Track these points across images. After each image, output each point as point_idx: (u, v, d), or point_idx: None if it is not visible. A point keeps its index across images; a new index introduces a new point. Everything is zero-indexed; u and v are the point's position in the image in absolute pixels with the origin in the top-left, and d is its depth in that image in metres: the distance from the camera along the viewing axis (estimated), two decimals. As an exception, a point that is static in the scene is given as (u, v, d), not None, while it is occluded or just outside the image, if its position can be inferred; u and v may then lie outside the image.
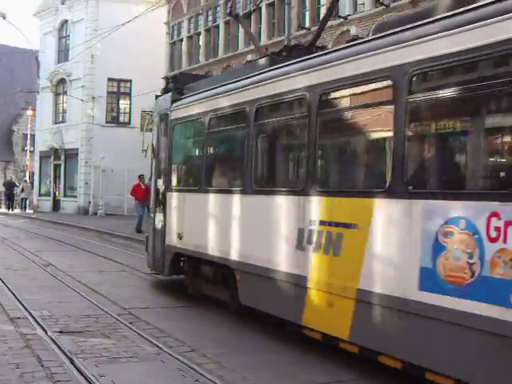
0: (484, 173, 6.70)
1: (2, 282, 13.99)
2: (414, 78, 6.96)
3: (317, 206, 8.38)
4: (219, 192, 11.34)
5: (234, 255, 10.36)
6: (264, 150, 10.64)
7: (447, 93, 6.75)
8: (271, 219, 9.38)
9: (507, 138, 6.46)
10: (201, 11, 32.68)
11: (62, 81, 44.19)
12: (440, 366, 6.51)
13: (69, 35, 43.56)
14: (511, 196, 5.73)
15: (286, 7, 26.06)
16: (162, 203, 13.58)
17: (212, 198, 11.43)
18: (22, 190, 46.76)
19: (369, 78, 7.60)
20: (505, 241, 5.74)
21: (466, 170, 6.95)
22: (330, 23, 23.60)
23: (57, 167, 44.97)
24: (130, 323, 10.22)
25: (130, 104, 41.94)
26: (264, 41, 27.73)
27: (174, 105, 13.21)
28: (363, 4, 22.90)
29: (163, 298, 13.08)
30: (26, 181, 48.57)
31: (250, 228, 10.06)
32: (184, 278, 13.12)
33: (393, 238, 7.13)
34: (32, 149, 49.18)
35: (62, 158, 43.88)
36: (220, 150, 12.71)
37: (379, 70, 7.41)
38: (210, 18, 32.17)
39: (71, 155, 42.95)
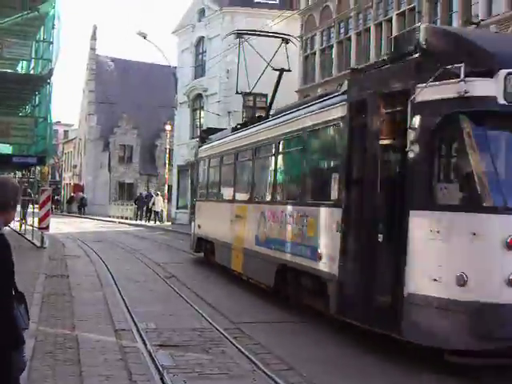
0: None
1: (119, 292, 14.22)
2: (280, 143, 14.19)
3: (235, 208, 17.12)
4: (210, 201, 20.75)
5: (213, 236, 19.46)
6: (243, 175, 17.48)
7: (296, 149, 13.36)
8: (220, 215, 18.69)
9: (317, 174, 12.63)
10: (333, 24, 32.46)
11: (198, 96, 45.08)
12: (263, 278, 14.61)
13: (205, 51, 44.39)
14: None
15: (417, 16, 25.55)
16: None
17: (208, 204, 21.02)
18: (154, 203, 48.07)
19: (268, 141, 15.03)
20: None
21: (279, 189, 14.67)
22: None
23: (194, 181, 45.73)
24: (234, 338, 10.05)
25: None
26: (394, 52, 27.21)
27: (199, 149, 22.41)
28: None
29: (275, 312, 12.79)
30: (157, 194, 49.78)
31: (221, 222, 18.26)
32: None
33: (251, 221, 15.39)
34: (171, 163, 50.33)
35: (200, 171, 44.54)
36: (215, 176, 20.40)
37: (271, 137, 14.65)
38: (342, 31, 31.91)
39: (208, 169, 43.51)
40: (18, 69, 29.07)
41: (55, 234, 30.75)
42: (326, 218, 11.08)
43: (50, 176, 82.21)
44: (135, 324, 10.78)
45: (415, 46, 9.09)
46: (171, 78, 49.40)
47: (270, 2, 42.53)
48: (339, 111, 10.73)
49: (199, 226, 21.12)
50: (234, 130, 18.94)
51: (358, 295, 9.59)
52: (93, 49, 72.41)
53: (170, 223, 46.96)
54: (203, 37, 44.50)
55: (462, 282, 7.95)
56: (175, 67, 48.91)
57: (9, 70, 28.55)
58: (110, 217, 55.89)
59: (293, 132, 13.15)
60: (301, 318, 11.90)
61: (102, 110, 69.22)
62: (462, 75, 8.00)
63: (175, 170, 49.01)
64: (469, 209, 8.19)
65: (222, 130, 22.78)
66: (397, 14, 27.29)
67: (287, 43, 19.64)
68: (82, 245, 26.89)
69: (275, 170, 14.45)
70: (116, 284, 15.58)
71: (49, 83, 24.19)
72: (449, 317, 8.19)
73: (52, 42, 24.28)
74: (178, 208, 48.30)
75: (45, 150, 25.74)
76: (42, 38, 25.45)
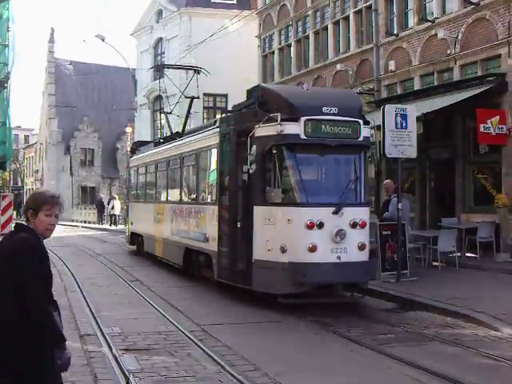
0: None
1: (84, 298, 14.13)
2: (183, 158, 18.79)
3: (156, 208, 21.88)
4: (139, 202, 25.38)
5: (142, 230, 23.83)
6: (161, 181, 22.18)
7: (192, 164, 18.05)
8: (146, 214, 23.25)
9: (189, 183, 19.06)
10: (290, 22, 32.46)
11: (158, 97, 44.86)
12: (176, 259, 18.75)
13: (164, 52, 44.26)
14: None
15: (374, 14, 25.68)
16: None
17: (138, 205, 25.53)
18: (113, 207, 47.77)
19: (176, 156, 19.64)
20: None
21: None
22: (417, 27, 23.09)
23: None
24: (200, 340, 10.02)
25: (227, 118, 42.06)
26: (353, 49, 27.29)
27: (130, 159, 27.48)
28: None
29: (244, 313, 12.80)
30: (115, 197, 49.30)
31: (147, 219, 22.87)
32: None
33: (167, 217, 20.02)
34: (133, 165, 50.02)
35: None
36: (142, 181, 25.26)
37: (178, 153, 19.28)
38: (300, 29, 31.93)
39: (171, 170, 43.41)
40: (-26, 73, 28.64)
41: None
42: (210, 213, 15.66)
43: (11, 182, 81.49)
44: (100, 329, 10.73)
45: (255, 100, 14.23)
46: (131, 80, 49.19)
47: (227, 1, 42.57)
48: (215, 139, 15.47)
49: (132, 223, 26.23)
50: (156, 144, 24.45)
51: (228, 264, 14.21)
52: (51, 52, 71.62)
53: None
54: (161, 38, 44.37)
55: (283, 250, 12.64)
56: (134, 69, 48.65)
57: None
58: (72, 221, 55.32)
59: (190, 151, 18.17)
60: (274, 317, 11.95)
61: (62, 114, 68.61)
62: (279, 120, 12.72)
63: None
64: (286, 204, 13.08)
65: (149, 142, 28.09)
66: (354, 12, 27.35)
67: (198, 73, 23.51)
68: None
69: (181, 179, 19.55)
70: (80, 289, 15.47)
71: (6, 87, 23.87)
72: (278, 272, 12.76)
73: (7, 45, 23.96)
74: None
75: (4, 155, 25.39)
76: (-4, 42, 25.11)
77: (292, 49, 32.66)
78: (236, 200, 14.19)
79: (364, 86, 25.85)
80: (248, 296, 13.57)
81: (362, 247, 12.95)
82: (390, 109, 15.70)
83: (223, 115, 16.60)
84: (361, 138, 13.48)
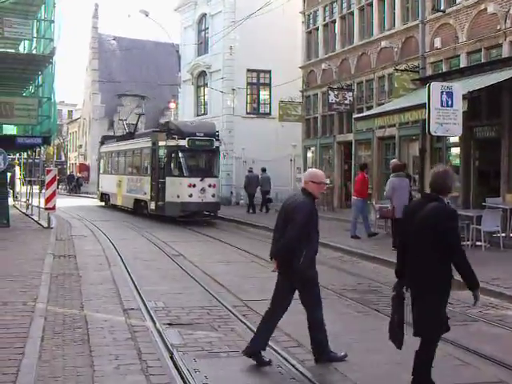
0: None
1: (128, 272, 14.26)
2: (133, 151, 34.74)
3: (117, 177, 36.92)
4: (107, 174, 40.31)
5: (109, 191, 38.93)
6: (120, 163, 37.67)
7: (139, 155, 33.63)
8: (111, 181, 38.11)
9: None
10: (335, -2, 32.17)
11: (202, 73, 44.78)
12: (129, 205, 33.87)
13: (207, 28, 44.10)
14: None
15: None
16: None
17: (106, 176, 40.27)
18: None
19: (128, 149, 35.59)
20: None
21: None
22: (465, 2, 22.66)
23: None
24: (244, 316, 10.07)
25: (270, 94, 41.91)
26: (398, 25, 26.92)
27: (100, 148, 43.29)
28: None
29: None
30: None
31: (112, 184, 37.59)
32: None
33: (124, 183, 35.32)
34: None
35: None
36: (109, 162, 40.45)
37: (129, 148, 35.32)
38: (345, 5, 31.56)
39: (213, 146, 43.59)
40: (20, 48, 28.80)
41: (62, 214, 30.80)
42: (146, 180, 30.62)
43: (55, 156, 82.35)
44: (144, 303, 10.84)
45: (166, 127, 29.77)
46: (174, 55, 49.19)
47: (271, -23, 42.19)
48: (149, 143, 30.73)
49: (102, 187, 41.74)
50: (118, 140, 39.96)
51: (154, 204, 28.96)
52: (95, 27, 71.96)
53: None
54: (205, 14, 44.17)
55: (178, 196, 27.73)
56: (178, 45, 48.61)
57: (11, 50, 28.32)
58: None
59: (137, 147, 33.28)
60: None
61: (105, 89, 68.94)
62: (176, 138, 27.89)
63: (180, 148, 48.86)
64: (179, 176, 28.24)
65: (113, 137, 44.29)
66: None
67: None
68: (89, 225, 26.93)
69: (132, 162, 34.81)
70: (124, 263, 15.62)
71: (51, 62, 24.01)
72: (176, 206, 27.66)
73: (53, 21, 24.07)
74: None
75: (49, 129, 25.65)
76: (43, 17, 25.22)
77: (336, 25, 32.28)
78: (158, 174, 29.27)
79: (409, 64, 25.56)
80: (162, 218, 28.46)
81: (213, 196, 28.08)
82: (436, 87, 15.55)
83: (154, 131, 32.09)
84: (214, 147, 28.76)
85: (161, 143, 28.97)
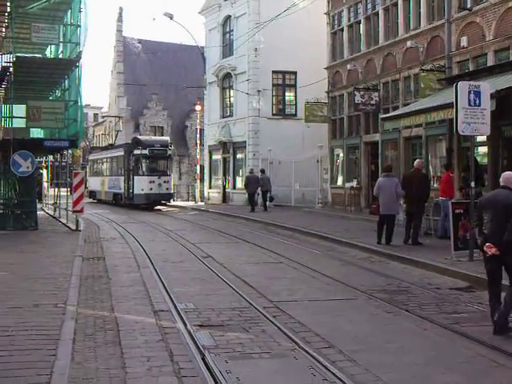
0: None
1: (157, 274, 14.30)
2: (112, 158, 48.68)
3: (101, 178, 51.43)
4: (94, 176, 54.61)
5: (95, 188, 53.20)
6: (103, 168, 52.03)
7: (116, 161, 47.59)
8: (97, 181, 52.45)
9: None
10: (360, -1, 32.12)
11: (227, 75, 44.84)
12: (110, 199, 47.99)
13: (232, 30, 44.14)
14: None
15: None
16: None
17: (94, 177, 54.46)
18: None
19: (109, 157, 49.92)
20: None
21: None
22: (492, 0, 22.46)
23: (226, 160, 45.71)
24: (274, 317, 10.05)
25: (296, 96, 41.90)
26: (424, 25, 26.77)
27: (89, 156, 60.70)
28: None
29: (316, 291, 12.64)
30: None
31: (98, 183, 52.05)
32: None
33: (106, 182, 49.11)
34: (202, 143, 50.27)
35: (231, 151, 44.51)
36: (95, 167, 55.11)
37: (110, 156, 49.45)
38: (370, 6, 31.46)
39: (239, 148, 43.56)
40: (47, 53, 29.07)
41: (89, 217, 30.99)
42: (121, 179, 44.01)
43: (81, 159, 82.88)
44: (174, 305, 10.85)
45: (134, 141, 44.17)
46: (199, 57, 49.30)
47: (296, -22, 42.17)
48: (122, 152, 44.57)
49: (90, 186, 53.14)
50: (102, 149, 54.45)
51: (126, 196, 42.97)
52: (119, 31, 72.41)
53: (203, 203, 47.07)
54: (230, 16, 44.23)
55: (142, 189, 41.30)
56: (203, 47, 48.71)
57: (38, 55, 28.62)
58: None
59: (115, 155, 47.02)
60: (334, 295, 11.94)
61: (131, 92, 69.37)
62: (141, 148, 41.96)
63: (206, 150, 48.90)
64: (143, 175, 41.63)
65: (98, 148, 58.92)
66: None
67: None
68: (116, 227, 27.07)
69: (111, 166, 48.07)
70: (153, 265, 15.68)
71: (78, 66, 24.19)
72: (141, 196, 41.30)
73: (79, 26, 24.23)
74: (210, 187, 48.34)
75: (76, 132, 25.81)
76: (69, 22, 25.41)
77: (361, 26, 32.20)
78: (129, 174, 42.10)
79: (435, 63, 25.42)
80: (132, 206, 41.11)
81: (167, 189, 41.86)
82: (464, 86, 15.37)
83: (126, 144, 45.70)
84: (167, 154, 42.44)
85: (131, 152, 42.15)
